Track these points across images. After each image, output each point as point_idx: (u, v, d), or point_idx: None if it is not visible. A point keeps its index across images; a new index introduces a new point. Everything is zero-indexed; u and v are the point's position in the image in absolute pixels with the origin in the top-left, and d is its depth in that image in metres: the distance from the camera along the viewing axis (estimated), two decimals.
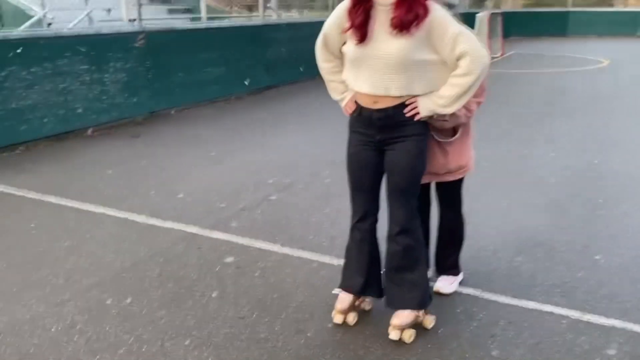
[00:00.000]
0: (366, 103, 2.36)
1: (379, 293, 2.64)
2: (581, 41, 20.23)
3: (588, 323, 2.63)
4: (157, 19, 9.80)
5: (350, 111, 2.47)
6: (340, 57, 2.47)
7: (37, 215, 4.03)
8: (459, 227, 2.90)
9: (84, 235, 3.67)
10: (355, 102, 2.43)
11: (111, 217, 3.98)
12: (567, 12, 23.47)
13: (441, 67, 2.29)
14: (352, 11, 2.28)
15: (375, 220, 2.58)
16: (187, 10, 12.00)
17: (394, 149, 2.39)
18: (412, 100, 2.31)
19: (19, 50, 5.72)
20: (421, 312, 2.54)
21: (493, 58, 14.18)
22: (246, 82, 9.07)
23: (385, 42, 2.23)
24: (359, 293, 2.62)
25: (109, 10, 9.80)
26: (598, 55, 15.10)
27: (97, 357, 2.40)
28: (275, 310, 2.74)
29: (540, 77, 11.44)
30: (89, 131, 6.51)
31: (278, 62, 9.96)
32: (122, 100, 6.94)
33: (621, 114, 7.55)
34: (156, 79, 7.36)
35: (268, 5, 11.05)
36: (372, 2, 2.25)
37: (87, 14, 7.99)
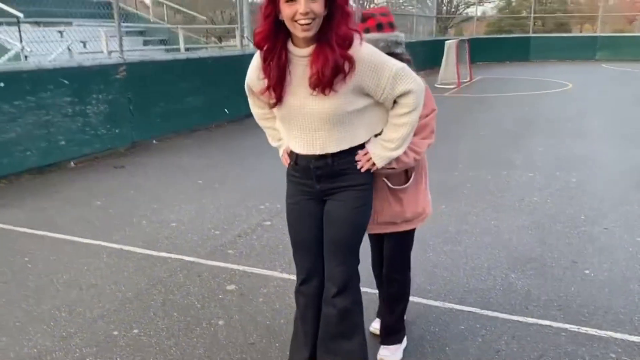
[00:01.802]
0: (302, 153, 2.11)
1: None
2: (543, 65, 21.03)
3: (586, 335, 2.75)
4: (135, 49, 9.85)
5: (286, 163, 2.22)
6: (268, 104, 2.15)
7: (30, 249, 3.99)
8: (405, 286, 2.65)
9: (81, 267, 3.65)
10: (291, 150, 2.17)
11: (106, 248, 3.97)
12: (529, 38, 24.45)
13: (377, 107, 2.06)
14: (265, 68, 1.98)
15: (322, 282, 2.23)
16: (162, 42, 12.08)
17: (334, 200, 2.13)
18: (363, 152, 2.08)
19: (1, 84, 5.69)
20: None
21: (462, 83, 14.70)
22: (226, 111, 9.15)
23: (310, 100, 1.96)
24: None
25: (84, 43, 9.81)
26: (561, 78, 15.72)
27: None
28: (285, 335, 2.78)
29: (509, 100, 11.84)
30: (72, 163, 6.47)
31: None
32: (105, 132, 6.93)
33: (590, 133, 7.88)
34: (137, 109, 7.39)
35: (245, 35, 11.23)
36: (287, 54, 1.95)
37: (67, 47, 7.97)
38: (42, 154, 6.12)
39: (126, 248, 3.95)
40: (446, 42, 15.42)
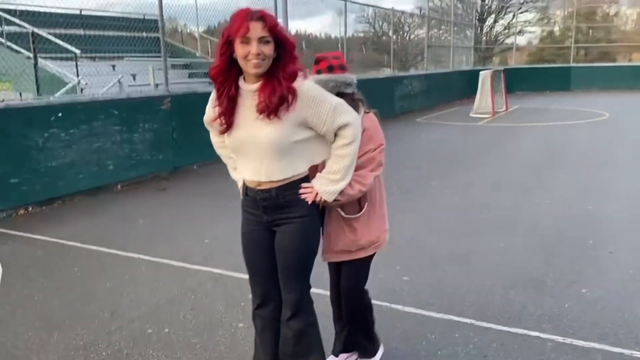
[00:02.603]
0: (250, 184, 2.28)
1: None
2: (583, 95, 20.89)
3: (570, 345, 2.99)
4: (180, 82, 10.56)
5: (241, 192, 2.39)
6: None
7: (79, 260, 4.49)
8: (360, 309, 2.73)
9: (122, 276, 4.12)
10: (243, 182, 2.34)
11: (145, 260, 4.43)
12: (570, 68, 24.30)
13: (318, 140, 2.22)
14: (218, 98, 2.19)
15: (277, 306, 2.36)
16: (206, 74, 12.80)
17: (281, 231, 2.27)
18: (307, 186, 2.24)
19: (59, 114, 6.36)
20: None
21: (497, 113, 14.87)
22: None
23: (257, 128, 2.14)
24: None
25: (134, 76, 10.59)
26: (599, 108, 15.66)
27: None
28: None
29: (541, 130, 11.95)
30: (119, 186, 7.06)
31: None
32: (149, 157, 7.53)
33: (616, 163, 7.97)
34: (180, 137, 7.98)
35: None
36: (237, 87, 2.16)
37: (118, 80, 8.70)
38: (93, 177, 6.73)
39: (163, 261, 4.40)
40: (481, 72, 15.67)
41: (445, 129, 12.72)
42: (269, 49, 2.06)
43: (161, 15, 8.53)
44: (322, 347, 2.42)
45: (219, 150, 2.51)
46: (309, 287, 2.35)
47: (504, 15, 30.77)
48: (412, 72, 18.88)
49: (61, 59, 9.82)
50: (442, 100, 18.72)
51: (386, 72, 16.56)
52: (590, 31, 31.53)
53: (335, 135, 2.20)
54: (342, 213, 2.45)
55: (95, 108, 6.83)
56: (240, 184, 2.40)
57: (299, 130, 2.16)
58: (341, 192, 2.27)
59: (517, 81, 22.15)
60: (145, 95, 7.70)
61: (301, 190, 2.23)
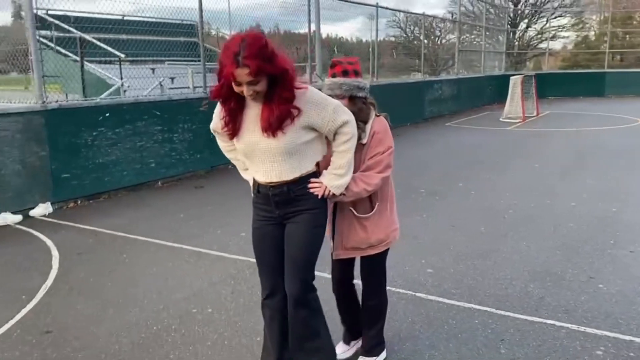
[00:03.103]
0: (262, 182, 2.42)
1: None
2: (618, 101, 20.63)
3: (583, 332, 3.20)
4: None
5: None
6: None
7: (126, 249, 4.87)
8: (381, 306, 2.87)
9: (166, 264, 4.47)
10: (254, 179, 2.47)
11: (187, 250, 4.78)
12: (604, 73, 23.97)
13: (320, 139, 2.41)
14: (224, 107, 2.33)
15: (285, 296, 2.52)
16: None
17: (292, 222, 2.43)
18: (316, 181, 2.40)
19: (107, 115, 6.80)
20: None
21: (528, 117, 14.90)
22: None
23: (264, 137, 2.28)
24: None
25: (172, 80, 11.05)
26: (632, 114, 15.52)
27: (190, 347, 3.12)
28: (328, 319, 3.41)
29: (570, 134, 11.97)
30: (159, 182, 7.47)
31: None
32: (188, 157, 7.93)
33: None
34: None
35: (314, 72, 12.16)
36: (241, 99, 2.27)
37: (160, 83, 9.15)
38: (136, 174, 7.15)
39: (203, 251, 4.74)
40: (511, 77, 15.72)
41: (474, 133, 12.83)
42: (260, 87, 2.17)
43: (201, 21, 8.96)
44: (328, 330, 2.59)
45: (228, 154, 2.63)
46: (314, 276, 2.49)
47: (537, 20, 30.54)
48: (442, 76, 18.98)
49: (105, 62, 10.34)
50: (472, 105, 18.79)
51: (417, 77, 16.73)
52: (627, 36, 31.02)
53: (335, 133, 2.37)
54: (355, 212, 2.58)
55: (139, 109, 7.26)
56: (251, 183, 2.52)
57: (304, 133, 2.32)
58: (347, 189, 2.43)
59: (550, 86, 22.00)
60: (184, 97, 8.11)
61: (310, 186, 2.39)
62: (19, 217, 5.82)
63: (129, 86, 9.34)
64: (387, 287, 3.76)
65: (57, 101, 6.52)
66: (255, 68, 2.09)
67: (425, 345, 3.10)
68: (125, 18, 12.67)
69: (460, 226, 5.36)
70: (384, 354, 2.92)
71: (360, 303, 2.87)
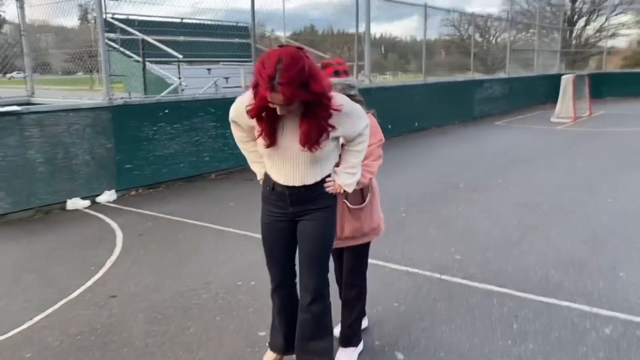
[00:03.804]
0: (282, 183, 2.45)
1: None
2: None
3: (596, 314, 3.42)
4: None
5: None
6: (251, 130, 2.49)
7: (182, 231, 5.38)
8: (362, 295, 3.00)
9: (216, 244, 4.94)
10: (268, 176, 2.51)
11: (235, 233, 5.24)
12: None
13: (336, 143, 2.45)
14: (259, 119, 2.30)
15: (293, 286, 2.66)
16: None
17: (305, 220, 2.47)
18: (330, 180, 2.47)
19: (166, 111, 7.39)
20: None
21: (580, 118, 14.68)
22: None
23: (297, 143, 2.31)
24: (281, 352, 2.79)
25: (227, 79, 11.65)
26: None
27: (234, 312, 3.55)
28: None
29: (621, 135, 11.78)
30: (213, 175, 8.02)
31: None
32: (239, 151, 8.39)
33: None
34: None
35: (362, 71, 12.47)
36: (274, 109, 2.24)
37: (214, 82, 9.73)
38: (192, 167, 7.72)
39: (249, 234, 5.19)
40: (563, 77, 15.50)
41: (522, 132, 12.81)
42: (294, 107, 2.20)
43: (253, 23, 9.48)
44: (332, 328, 2.72)
45: (242, 144, 2.63)
46: (328, 271, 2.58)
47: (596, 18, 29.64)
48: (493, 75, 18.86)
49: (164, 62, 11.03)
50: (524, 104, 18.59)
51: (472, 75, 16.73)
52: None
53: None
54: (348, 204, 2.74)
55: (196, 106, 7.83)
56: (260, 177, 2.60)
57: (331, 142, 2.40)
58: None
59: (607, 86, 21.39)
60: (236, 95, 8.60)
61: (326, 185, 2.46)
62: (87, 203, 6.46)
63: (186, 85, 9.98)
64: (414, 270, 4.15)
65: (122, 98, 7.15)
66: (289, 95, 2.10)
67: (443, 318, 3.41)
68: (184, 21, 13.41)
69: (493, 218, 5.58)
70: (361, 345, 3.04)
71: (344, 294, 2.99)
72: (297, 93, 2.11)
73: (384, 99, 11.77)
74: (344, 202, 2.72)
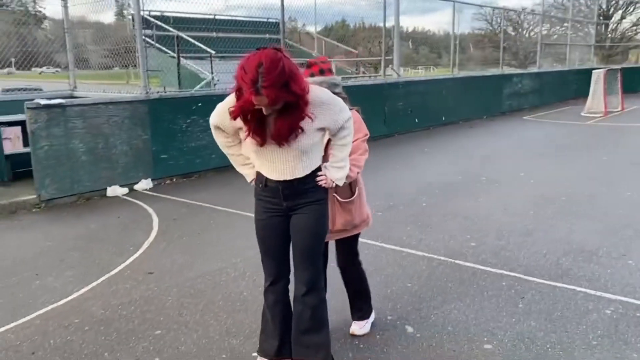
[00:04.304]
0: (273, 179, 2.51)
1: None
2: None
3: (599, 297, 3.60)
4: None
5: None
6: (235, 134, 2.56)
7: (213, 217, 5.73)
8: (362, 281, 3.17)
9: (244, 229, 5.26)
10: (260, 173, 2.55)
11: None
12: None
13: (325, 134, 2.53)
14: (245, 121, 2.35)
15: (287, 282, 2.69)
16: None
17: (298, 214, 2.53)
18: (321, 174, 2.54)
19: (199, 104, 7.75)
20: None
21: (611, 112, 14.54)
22: None
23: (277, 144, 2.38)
24: (274, 356, 2.74)
25: None
26: None
27: (259, 288, 3.84)
28: (371, 276, 4.04)
29: None
30: None
31: (395, 114, 11.44)
32: None
33: None
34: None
35: (390, 66, 12.66)
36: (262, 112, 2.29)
37: None
38: (223, 158, 7.91)
39: None
40: (594, 71, 15.36)
41: (550, 126, 12.80)
42: (279, 106, 2.27)
43: (283, 20, 9.77)
44: (329, 327, 2.72)
45: (227, 149, 2.65)
46: (321, 265, 2.66)
47: (633, 11, 28.96)
48: (522, 70, 18.75)
49: (197, 58, 11.43)
50: (555, 99, 18.43)
51: (502, 70, 16.71)
52: None
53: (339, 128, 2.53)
54: (339, 198, 2.85)
55: None
56: (250, 178, 2.66)
57: (317, 134, 2.47)
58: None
59: None
60: None
61: (318, 179, 2.54)
62: (125, 190, 6.88)
63: (218, 80, 10.35)
64: (429, 255, 4.40)
65: (158, 92, 7.55)
66: (273, 97, 2.18)
67: (453, 298, 3.65)
68: (217, 17, 13.81)
69: (511, 209, 5.75)
70: (373, 316, 3.28)
71: (345, 284, 3.18)
72: (280, 94, 2.19)
73: (411, 93, 11.96)
74: (334, 196, 2.81)
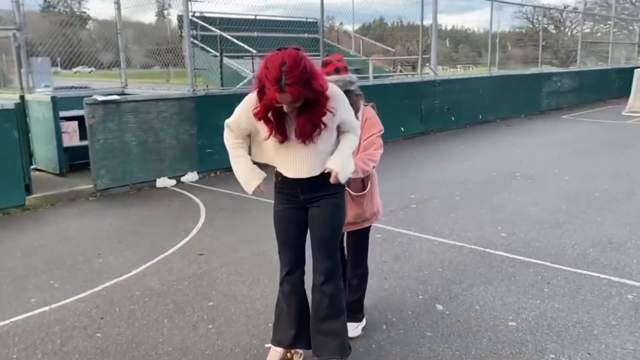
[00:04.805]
0: (290, 177, 2.61)
1: (308, 344, 2.80)
2: None
3: (623, 283, 3.79)
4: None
5: (255, 191, 2.77)
6: (245, 137, 2.67)
7: (256, 207, 6.08)
8: (365, 275, 3.21)
9: None
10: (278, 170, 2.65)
11: None
12: None
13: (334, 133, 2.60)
14: (266, 120, 2.44)
15: (303, 272, 2.77)
16: (357, 71, 14.28)
17: (316, 206, 2.62)
18: (330, 171, 2.54)
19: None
20: None
21: None
22: (402, 129, 10.84)
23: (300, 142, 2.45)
24: (289, 346, 2.82)
25: None
26: None
27: None
28: (405, 261, 4.32)
29: None
30: None
31: (431, 112, 11.62)
32: None
33: None
34: None
35: (427, 64, 12.81)
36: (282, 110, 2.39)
37: None
38: None
39: None
40: (636, 70, 15.14)
41: (588, 125, 12.73)
42: (299, 103, 2.38)
43: (322, 19, 10.09)
44: (345, 310, 2.78)
45: (234, 150, 2.70)
46: (339, 255, 2.75)
47: None
48: (563, 69, 18.55)
49: (238, 57, 11.87)
50: (596, 98, 18.17)
51: (540, 68, 16.61)
52: None
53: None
54: (351, 192, 2.94)
55: None
56: (252, 187, 2.77)
57: (334, 132, 2.58)
58: (361, 170, 2.78)
59: None
60: None
61: (331, 176, 2.55)
62: (173, 182, 7.32)
63: None
64: (461, 243, 4.63)
65: (203, 89, 7.97)
66: (296, 94, 2.29)
67: (482, 281, 3.89)
68: (257, 17, 14.25)
69: (543, 204, 5.91)
70: (364, 322, 3.28)
71: (348, 274, 3.19)
72: (303, 91, 2.30)
73: (448, 91, 12.10)
74: (346, 189, 2.87)
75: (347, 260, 3.17)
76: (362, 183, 2.96)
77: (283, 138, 2.48)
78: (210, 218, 5.66)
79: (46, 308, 3.63)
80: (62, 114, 7.35)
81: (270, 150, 2.59)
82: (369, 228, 3.12)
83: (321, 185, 2.59)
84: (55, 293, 3.86)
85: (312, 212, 2.64)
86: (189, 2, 7.81)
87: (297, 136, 2.45)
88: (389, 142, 10.49)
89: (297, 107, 2.39)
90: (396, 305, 3.56)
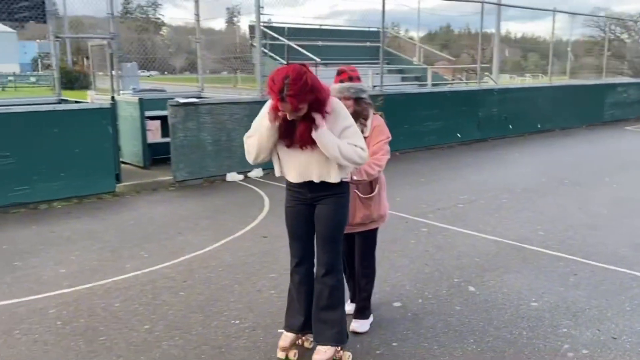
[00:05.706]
0: (296, 182, 2.82)
1: None
2: None
3: None
4: (393, 84, 12.62)
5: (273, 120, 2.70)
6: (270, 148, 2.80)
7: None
8: (373, 273, 3.35)
9: None
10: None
11: None
12: None
13: None
14: (279, 124, 2.65)
15: (312, 265, 2.94)
16: (417, 78, 14.72)
17: (321, 204, 2.82)
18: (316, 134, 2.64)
19: None
20: (340, 349, 2.93)
21: None
22: (459, 135, 11.22)
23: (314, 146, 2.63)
24: (298, 331, 3.02)
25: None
26: None
27: None
28: (445, 251, 4.81)
29: None
30: None
31: (489, 120, 11.91)
32: None
33: None
34: (389, 128, 9.97)
35: (486, 73, 13.10)
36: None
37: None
38: None
39: None
40: None
41: None
42: (302, 112, 2.61)
43: (383, 28, 10.63)
44: (345, 303, 3.00)
45: (264, 144, 2.76)
46: (340, 249, 2.95)
47: None
48: (629, 79, 18.18)
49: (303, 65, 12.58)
50: None
51: (604, 79, 16.44)
52: None
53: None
54: (359, 194, 3.14)
55: None
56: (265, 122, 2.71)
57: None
58: (366, 173, 3.02)
59: None
60: None
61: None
62: (241, 177, 8.08)
63: None
64: (499, 239, 5.07)
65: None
66: (295, 104, 2.53)
67: (513, 270, 4.34)
68: (322, 27, 14.97)
69: (586, 208, 6.22)
70: (371, 318, 3.43)
71: (357, 273, 3.39)
72: (302, 102, 2.55)
73: (506, 100, 12.35)
74: (355, 192, 3.09)
75: (356, 260, 3.35)
76: (370, 186, 3.16)
77: (289, 142, 2.73)
78: (273, 207, 6.34)
79: (139, 272, 4.39)
80: (147, 113, 8.29)
81: (282, 156, 2.83)
82: (376, 229, 3.31)
83: (327, 185, 2.80)
84: (145, 261, 4.63)
85: (317, 210, 2.86)
86: (260, 14, 8.57)
87: (296, 141, 2.69)
88: (445, 147, 10.92)
89: (300, 115, 2.62)
90: (433, 286, 4.08)
